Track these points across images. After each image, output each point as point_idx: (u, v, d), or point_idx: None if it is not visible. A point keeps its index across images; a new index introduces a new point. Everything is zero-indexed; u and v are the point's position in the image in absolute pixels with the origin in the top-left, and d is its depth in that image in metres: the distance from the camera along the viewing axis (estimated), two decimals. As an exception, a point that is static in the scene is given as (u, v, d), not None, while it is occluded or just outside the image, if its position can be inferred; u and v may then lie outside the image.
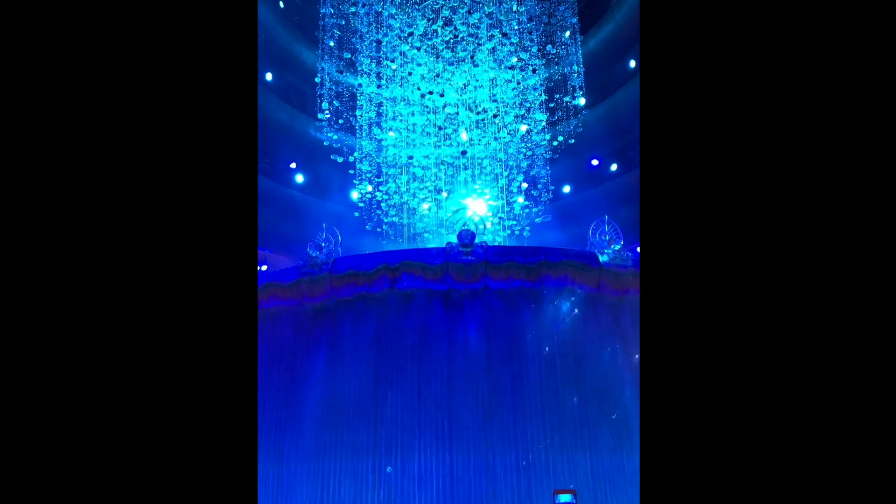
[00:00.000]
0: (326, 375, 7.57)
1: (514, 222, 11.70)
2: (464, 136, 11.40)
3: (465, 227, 7.89)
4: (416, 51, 10.78)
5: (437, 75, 10.89)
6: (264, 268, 16.54)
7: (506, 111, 11.29)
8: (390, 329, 7.57)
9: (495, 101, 11.14)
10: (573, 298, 7.84)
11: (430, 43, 10.69)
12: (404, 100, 11.08)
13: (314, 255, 8.09)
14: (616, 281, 7.82)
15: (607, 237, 8.21)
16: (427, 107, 11.12)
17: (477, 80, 11.06)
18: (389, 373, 7.36)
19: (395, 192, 11.53)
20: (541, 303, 7.74)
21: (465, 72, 11.09)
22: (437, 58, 10.90)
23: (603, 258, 7.88)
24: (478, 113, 11.17)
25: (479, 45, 10.65)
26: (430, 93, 10.80)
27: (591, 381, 7.36)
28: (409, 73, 10.83)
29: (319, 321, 8.00)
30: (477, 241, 7.79)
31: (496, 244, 11.41)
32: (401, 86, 10.95)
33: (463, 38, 10.60)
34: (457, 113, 11.27)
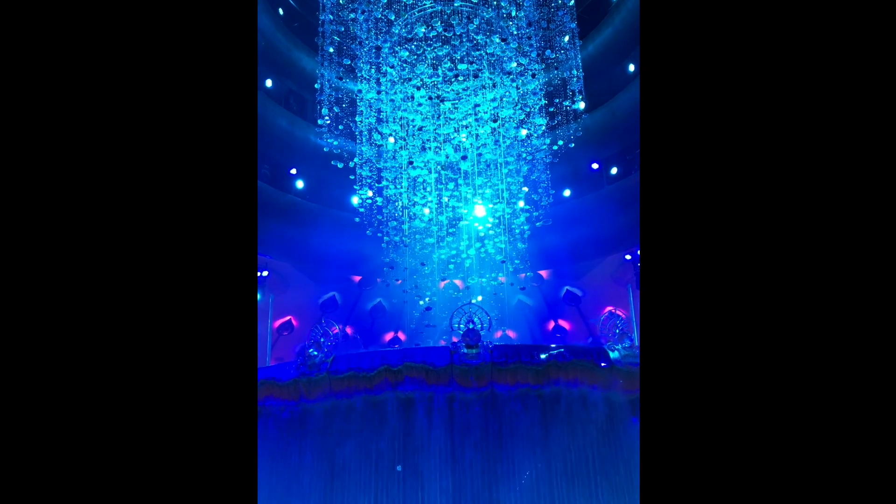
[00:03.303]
0: (323, 487, 7.23)
1: (520, 263, 11.66)
2: (464, 138, 11.44)
3: (471, 327, 7.51)
4: (417, 68, 10.81)
5: (442, 99, 10.93)
6: (265, 273, 16.53)
7: (509, 148, 11.34)
8: (391, 437, 7.25)
9: (498, 142, 11.22)
10: (583, 401, 7.45)
11: (428, 48, 10.73)
12: (404, 110, 11.14)
13: (313, 354, 7.73)
14: (628, 380, 7.45)
15: (618, 330, 7.84)
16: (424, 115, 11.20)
17: (477, 119, 11.13)
18: (390, 486, 7.02)
19: (395, 231, 11.53)
20: (550, 408, 7.35)
21: (465, 117, 11.17)
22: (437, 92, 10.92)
23: (613, 354, 7.54)
24: (479, 153, 11.24)
25: (478, 51, 10.68)
26: (430, 98, 10.84)
27: (607, 494, 6.96)
28: (411, 80, 10.89)
29: (317, 425, 7.67)
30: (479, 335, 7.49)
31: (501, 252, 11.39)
32: (401, 105, 11.01)
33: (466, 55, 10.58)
34: (460, 128, 11.35)
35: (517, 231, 11.62)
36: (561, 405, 7.36)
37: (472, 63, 10.58)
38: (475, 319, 7.70)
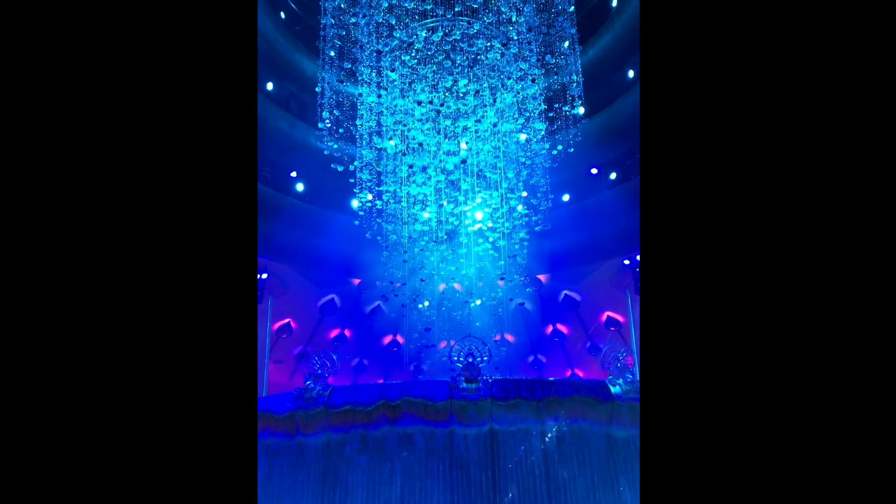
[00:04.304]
0: None
1: (519, 277, 11.65)
2: (463, 145, 11.48)
3: (470, 361, 7.42)
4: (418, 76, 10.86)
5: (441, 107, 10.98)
6: (264, 276, 16.53)
7: (508, 163, 11.40)
8: (389, 474, 7.13)
9: (498, 155, 11.26)
10: (584, 437, 7.33)
11: (430, 55, 10.78)
12: (407, 113, 11.20)
13: (310, 386, 7.60)
14: (631, 415, 7.33)
15: (619, 364, 7.75)
16: (423, 120, 11.26)
17: (479, 137, 11.19)
18: None
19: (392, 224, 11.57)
20: (550, 444, 7.24)
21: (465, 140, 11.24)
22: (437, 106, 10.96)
23: (615, 389, 7.45)
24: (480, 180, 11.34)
25: (477, 57, 10.73)
26: (430, 102, 10.90)
27: None
28: (411, 84, 10.94)
29: (314, 461, 7.53)
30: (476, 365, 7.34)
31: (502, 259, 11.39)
32: (401, 94, 11.04)
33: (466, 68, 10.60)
34: (458, 128, 11.40)
35: (516, 246, 11.63)
36: (561, 441, 7.24)
37: (471, 65, 10.62)
38: (475, 352, 7.60)
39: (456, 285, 12.65)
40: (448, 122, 11.15)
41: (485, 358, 7.56)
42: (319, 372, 7.78)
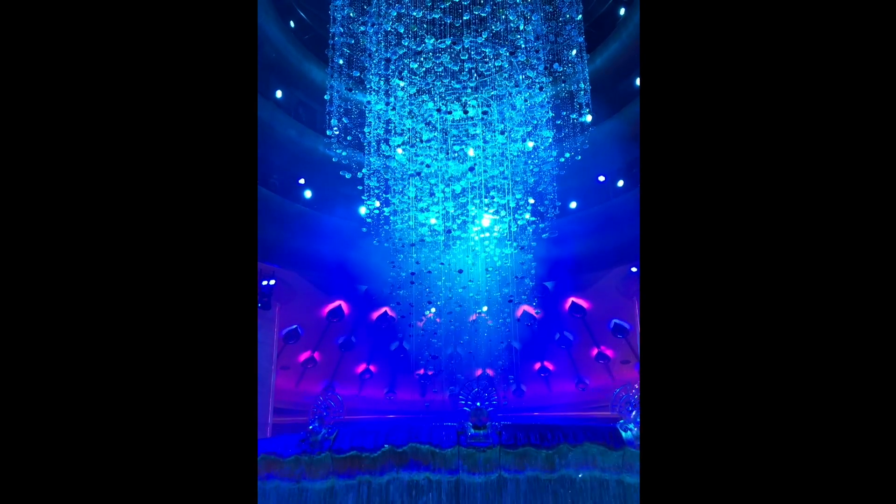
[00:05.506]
0: None
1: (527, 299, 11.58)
2: (471, 152, 11.52)
3: (478, 407, 7.32)
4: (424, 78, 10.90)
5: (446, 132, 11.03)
6: (272, 282, 16.59)
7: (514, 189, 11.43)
8: None
9: (505, 178, 11.29)
10: (595, 485, 7.20)
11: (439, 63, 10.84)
12: (412, 126, 11.26)
13: (315, 428, 7.52)
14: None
15: (630, 407, 7.65)
16: (434, 126, 11.30)
17: (485, 153, 11.22)
18: None
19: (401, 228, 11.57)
20: (561, 493, 7.12)
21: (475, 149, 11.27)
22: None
23: (626, 434, 7.37)
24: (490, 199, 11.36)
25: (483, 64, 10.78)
26: (438, 110, 10.95)
27: None
28: (418, 92, 11.01)
29: None
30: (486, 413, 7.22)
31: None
32: (410, 115, 11.10)
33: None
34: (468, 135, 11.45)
35: (524, 266, 11.62)
36: (572, 490, 7.09)
37: (480, 74, 10.68)
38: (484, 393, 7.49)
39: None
40: (457, 148, 11.24)
41: (493, 401, 7.45)
42: (325, 414, 7.72)
